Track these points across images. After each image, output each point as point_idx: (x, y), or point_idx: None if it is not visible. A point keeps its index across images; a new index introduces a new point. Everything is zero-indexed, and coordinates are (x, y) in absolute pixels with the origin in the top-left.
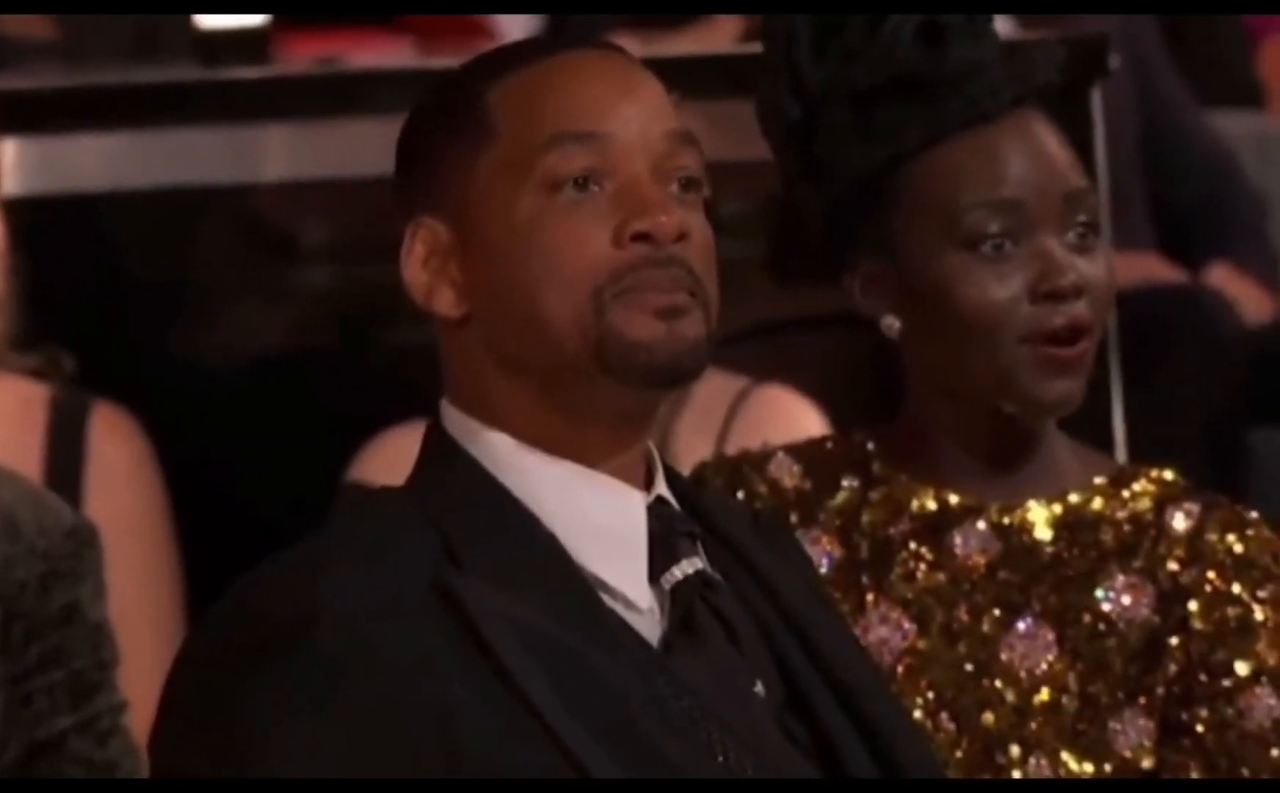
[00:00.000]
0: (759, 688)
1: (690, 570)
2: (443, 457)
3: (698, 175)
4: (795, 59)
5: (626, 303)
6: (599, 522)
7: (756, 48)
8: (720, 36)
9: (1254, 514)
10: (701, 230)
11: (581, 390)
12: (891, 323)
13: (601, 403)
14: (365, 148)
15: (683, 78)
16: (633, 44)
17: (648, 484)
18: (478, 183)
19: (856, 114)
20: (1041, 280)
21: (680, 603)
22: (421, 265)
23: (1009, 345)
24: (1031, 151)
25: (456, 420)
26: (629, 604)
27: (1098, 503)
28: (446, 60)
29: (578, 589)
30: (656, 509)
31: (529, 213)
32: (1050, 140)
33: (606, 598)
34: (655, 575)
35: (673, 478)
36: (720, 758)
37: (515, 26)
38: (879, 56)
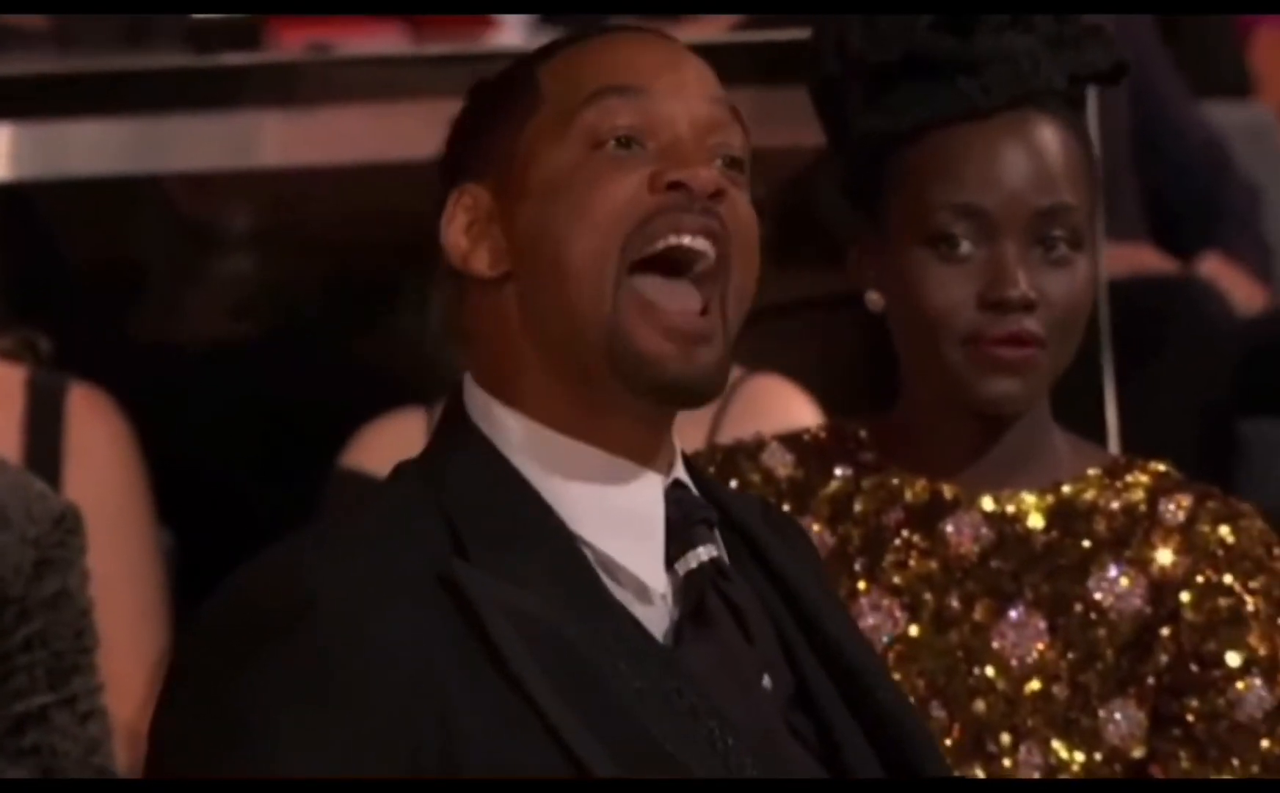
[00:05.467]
0: (766, 682)
1: (705, 557)
2: (458, 436)
3: (741, 156)
4: (844, 24)
5: (642, 314)
6: (616, 505)
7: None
8: (709, 32)
9: (1246, 505)
10: (745, 206)
11: (597, 389)
12: (876, 299)
13: (616, 404)
14: (357, 133)
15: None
16: None
17: (667, 469)
18: (523, 146)
19: (870, 87)
20: (990, 289)
21: (693, 590)
22: (463, 231)
23: (952, 346)
24: (1016, 157)
25: (477, 399)
26: (640, 592)
27: (1091, 493)
28: (438, 47)
29: (586, 581)
30: (674, 494)
31: (570, 164)
32: (1046, 147)
33: (616, 589)
34: (670, 561)
35: (689, 466)
36: (721, 756)
37: (511, 17)
38: (895, 32)
